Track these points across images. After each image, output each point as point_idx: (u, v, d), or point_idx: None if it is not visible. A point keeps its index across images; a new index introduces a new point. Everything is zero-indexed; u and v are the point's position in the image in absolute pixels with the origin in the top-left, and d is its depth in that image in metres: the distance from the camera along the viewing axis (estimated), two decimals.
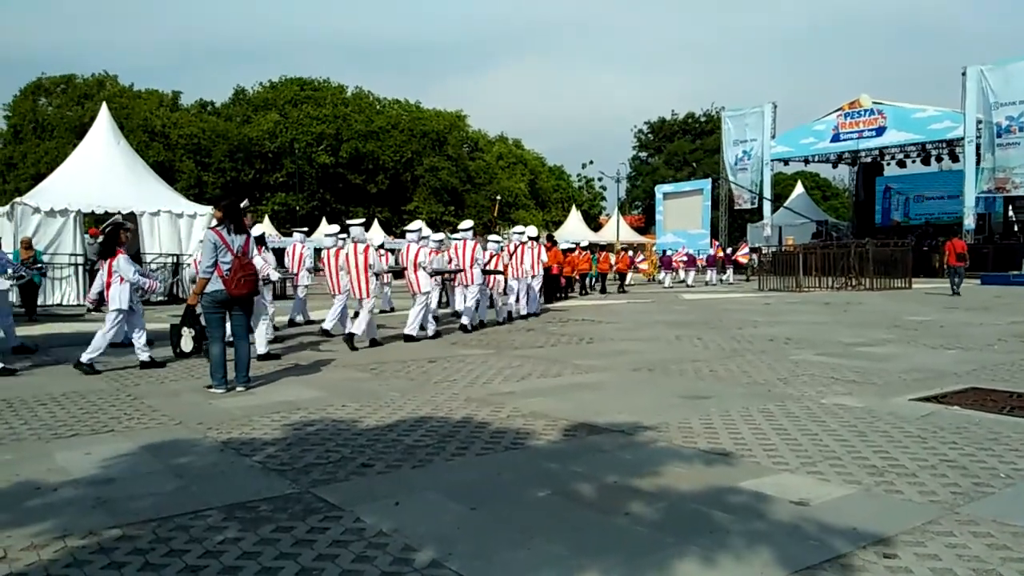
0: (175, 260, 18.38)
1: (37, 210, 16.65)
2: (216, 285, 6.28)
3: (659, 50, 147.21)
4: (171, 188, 22.26)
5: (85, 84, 50.92)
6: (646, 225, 56.60)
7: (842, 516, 3.27)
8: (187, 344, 6.75)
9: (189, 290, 8.11)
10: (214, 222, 6.54)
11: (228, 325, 6.51)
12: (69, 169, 19.24)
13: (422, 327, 10.43)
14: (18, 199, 17.26)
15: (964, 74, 30.62)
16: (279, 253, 13.73)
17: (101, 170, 18.61)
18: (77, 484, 3.85)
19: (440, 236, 11.81)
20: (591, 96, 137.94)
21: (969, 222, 30.91)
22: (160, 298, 18.72)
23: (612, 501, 3.54)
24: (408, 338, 9.97)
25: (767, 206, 39.13)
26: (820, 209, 49.34)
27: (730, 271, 30.43)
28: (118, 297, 7.84)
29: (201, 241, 7.96)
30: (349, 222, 10.61)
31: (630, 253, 30.40)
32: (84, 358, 7.49)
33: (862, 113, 34.89)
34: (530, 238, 13.91)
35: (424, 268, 10.35)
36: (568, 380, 6.98)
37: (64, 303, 16.72)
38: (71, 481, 3.90)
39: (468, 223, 12.17)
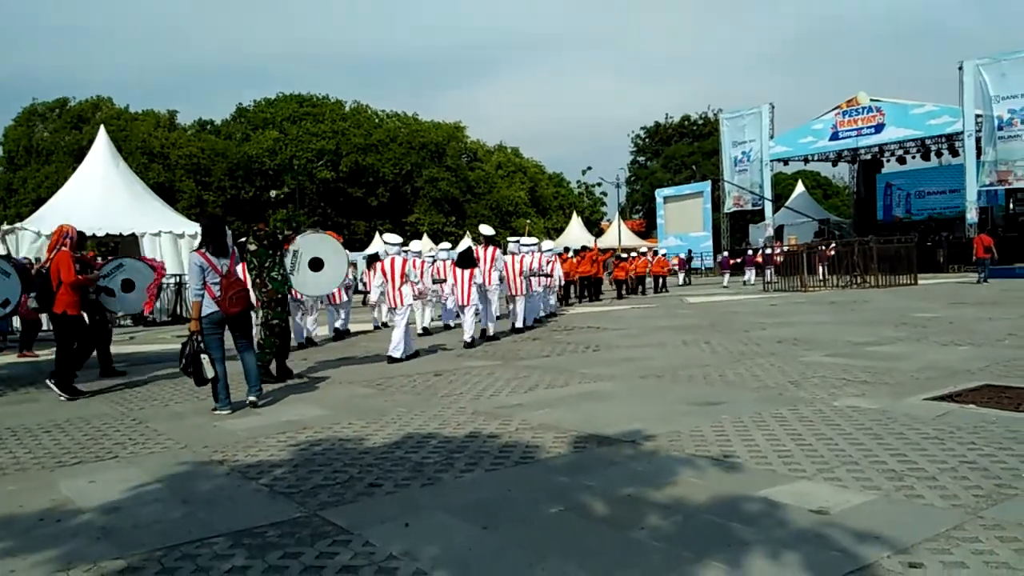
0: (177, 280, 18.36)
1: (38, 234, 16.64)
2: (211, 307, 6.26)
3: (653, 55, 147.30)
4: (172, 208, 22.29)
5: (80, 107, 50.98)
6: (647, 229, 56.54)
7: (863, 524, 3.19)
8: (209, 371, 6.60)
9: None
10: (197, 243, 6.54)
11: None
12: (69, 193, 19.28)
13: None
14: (18, 224, 17.26)
15: (961, 69, 30.61)
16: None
17: (101, 193, 18.65)
18: (81, 514, 3.78)
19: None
20: (588, 103, 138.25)
21: (972, 216, 30.85)
22: (165, 318, 18.75)
23: (626, 515, 3.46)
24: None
25: (768, 206, 39.08)
26: (822, 208, 49.31)
27: (750, 273, 29.72)
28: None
29: None
30: (523, 240, 13.49)
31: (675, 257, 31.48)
32: (396, 354, 9.27)
33: (860, 111, 34.90)
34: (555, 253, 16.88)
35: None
36: (576, 390, 6.90)
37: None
38: (75, 511, 3.83)
39: (533, 239, 14.30)
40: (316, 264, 8.24)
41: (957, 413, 5.25)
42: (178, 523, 3.59)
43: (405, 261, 9.93)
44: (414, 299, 10.16)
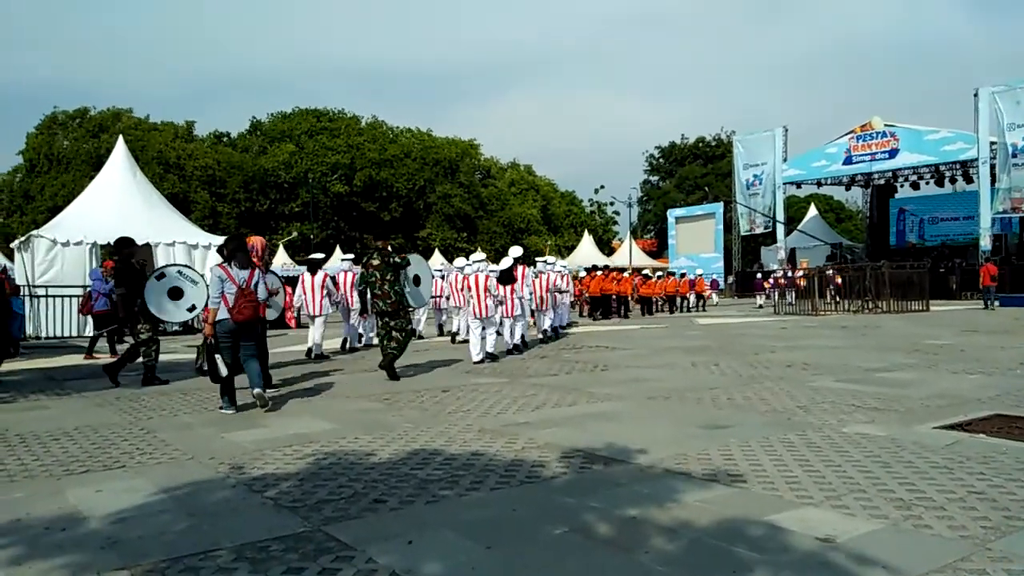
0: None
1: (54, 242, 16.80)
2: (223, 315, 6.78)
3: (669, 75, 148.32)
4: (186, 219, 22.46)
5: (100, 117, 51.58)
6: (659, 249, 56.48)
7: (870, 553, 3.16)
8: (223, 369, 6.84)
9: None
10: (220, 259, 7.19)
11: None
12: (86, 201, 19.47)
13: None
14: (35, 231, 17.44)
15: (976, 96, 30.58)
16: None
17: (117, 202, 18.82)
18: (87, 523, 3.80)
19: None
20: (602, 122, 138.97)
21: (985, 243, 30.67)
22: (175, 328, 18.82)
23: (631, 538, 3.44)
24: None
25: (780, 229, 39.00)
26: (834, 231, 49.19)
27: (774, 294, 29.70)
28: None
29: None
30: (548, 259, 15.23)
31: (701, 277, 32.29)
32: (491, 351, 11.03)
33: (874, 135, 34.88)
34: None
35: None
36: (583, 409, 6.89)
37: (68, 335, 16.68)
38: (81, 520, 3.85)
39: (553, 258, 16.04)
40: (416, 280, 9.84)
41: (967, 442, 5.21)
42: (183, 535, 3.60)
43: (488, 277, 11.18)
44: (495, 308, 11.44)
